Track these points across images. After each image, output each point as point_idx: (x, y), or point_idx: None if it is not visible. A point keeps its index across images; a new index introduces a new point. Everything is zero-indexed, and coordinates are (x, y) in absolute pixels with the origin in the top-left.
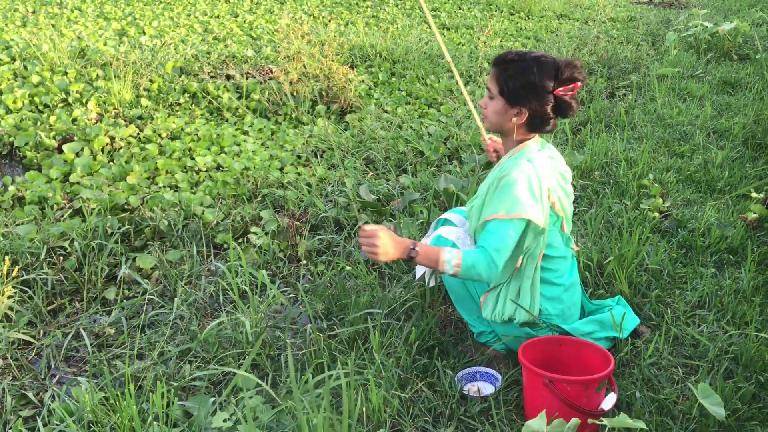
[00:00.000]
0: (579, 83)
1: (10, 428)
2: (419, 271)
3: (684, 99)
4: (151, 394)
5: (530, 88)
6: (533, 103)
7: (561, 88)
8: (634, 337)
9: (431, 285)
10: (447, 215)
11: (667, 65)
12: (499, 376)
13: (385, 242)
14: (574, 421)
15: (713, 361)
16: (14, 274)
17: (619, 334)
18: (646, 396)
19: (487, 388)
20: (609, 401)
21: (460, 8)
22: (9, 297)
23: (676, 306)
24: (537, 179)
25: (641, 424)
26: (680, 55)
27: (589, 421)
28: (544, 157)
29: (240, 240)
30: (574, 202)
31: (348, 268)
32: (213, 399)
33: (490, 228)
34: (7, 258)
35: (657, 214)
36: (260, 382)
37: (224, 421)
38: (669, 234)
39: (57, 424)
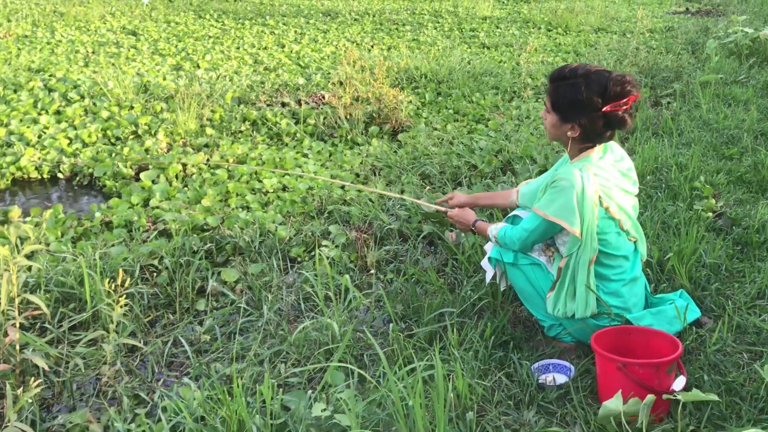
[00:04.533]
0: (632, 97)
1: (132, 422)
2: (489, 273)
3: (729, 104)
4: (257, 386)
5: (578, 105)
6: (583, 120)
7: (610, 105)
8: (697, 327)
9: (503, 288)
10: (516, 212)
11: (709, 72)
12: (572, 367)
13: (458, 220)
14: (650, 397)
15: None
16: (126, 285)
17: (679, 327)
18: (714, 379)
19: (561, 379)
20: (679, 383)
21: (497, 27)
22: (122, 306)
23: (736, 298)
24: (582, 189)
25: (713, 397)
26: (722, 61)
27: (664, 397)
28: (605, 163)
29: (312, 253)
30: None
31: (417, 272)
32: (309, 393)
33: (531, 214)
34: (120, 272)
35: (710, 214)
36: (354, 367)
37: (322, 410)
38: (724, 232)
39: (172, 418)
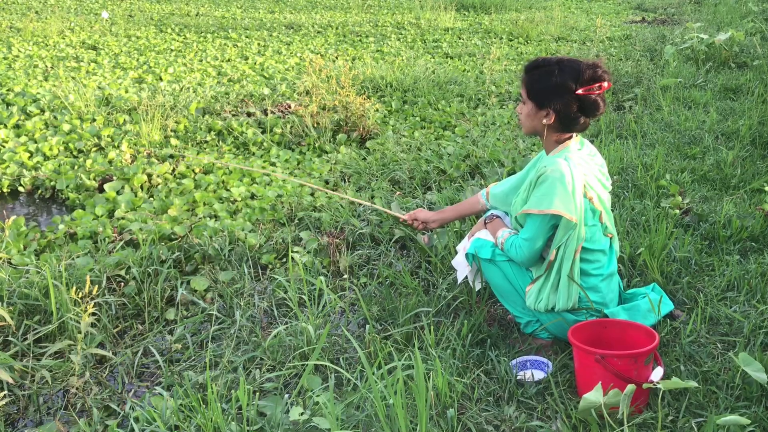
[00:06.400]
0: (604, 83)
1: None
2: (461, 275)
3: (689, 107)
4: (233, 392)
5: (553, 90)
6: (557, 104)
7: (583, 89)
8: (671, 320)
9: (477, 288)
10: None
11: (668, 77)
12: (549, 363)
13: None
14: (630, 387)
15: (749, 336)
16: (95, 292)
17: (653, 320)
18: (690, 369)
19: (540, 375)
20: (657, 374)
21: (460, 38)
22: (90, 315)
23: (707, 290)
24: (571, 176)
25: (692, 384)
26: (680, 66)
27: (644, 385)
28: (583, 155)
29: (284, 259)
30: None
31: (391, 274)
32: (286, 398)
33: (527, 220)
34: (88, 278)
35: (677, 211)
36: (331, 365)
37: (300, 414)
38: (691, 228)
39: (145, 427)
